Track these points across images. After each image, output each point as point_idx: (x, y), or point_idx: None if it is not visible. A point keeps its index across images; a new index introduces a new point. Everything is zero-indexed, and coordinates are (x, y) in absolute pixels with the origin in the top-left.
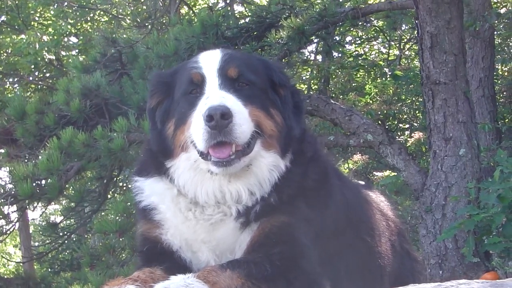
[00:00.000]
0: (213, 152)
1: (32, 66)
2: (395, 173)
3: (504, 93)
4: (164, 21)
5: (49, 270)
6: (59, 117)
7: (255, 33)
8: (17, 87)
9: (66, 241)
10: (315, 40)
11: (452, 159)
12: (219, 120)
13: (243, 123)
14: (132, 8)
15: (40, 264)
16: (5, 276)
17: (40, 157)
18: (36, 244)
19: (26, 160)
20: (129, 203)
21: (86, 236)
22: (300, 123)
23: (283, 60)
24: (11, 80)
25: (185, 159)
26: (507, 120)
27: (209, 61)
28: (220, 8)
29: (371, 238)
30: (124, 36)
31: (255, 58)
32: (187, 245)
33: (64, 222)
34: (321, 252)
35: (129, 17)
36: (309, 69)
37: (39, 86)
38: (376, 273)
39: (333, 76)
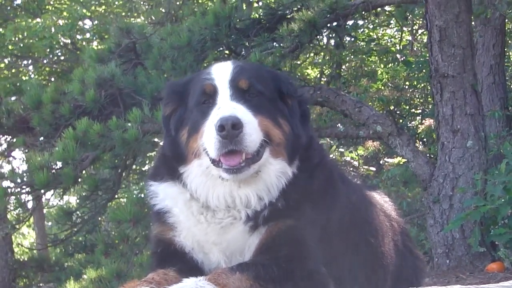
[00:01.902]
0: (224, 160)
1: (48, 50)
2: (406, 159)
3: None
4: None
5: (63, 251)
6: (75, 107)
7: (267, 25)
8: (32, 70)
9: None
10: (326, 33)
11: (460, 151)
12: (230, 130)
13: (252, 133)
14: (147, 7)
15: (54, 247)
16: (20, 258)
17: (55, 146)
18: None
19: (41, 149)
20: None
21: (100, 222)
22: (306, 131)
23: (295, 52)
24: (25, 62)
25: (197, 165)
26: None
27: (221, 73)
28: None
29: (374, 238)
30: (138, 20)
31: (264, 70)
32: (199, 246)
33: (79, 211)
34: (326, 253)
35: (143, 15)
36: (322, 54)
37: (53, 69)
38: (380, 273)
39: (345, 62)
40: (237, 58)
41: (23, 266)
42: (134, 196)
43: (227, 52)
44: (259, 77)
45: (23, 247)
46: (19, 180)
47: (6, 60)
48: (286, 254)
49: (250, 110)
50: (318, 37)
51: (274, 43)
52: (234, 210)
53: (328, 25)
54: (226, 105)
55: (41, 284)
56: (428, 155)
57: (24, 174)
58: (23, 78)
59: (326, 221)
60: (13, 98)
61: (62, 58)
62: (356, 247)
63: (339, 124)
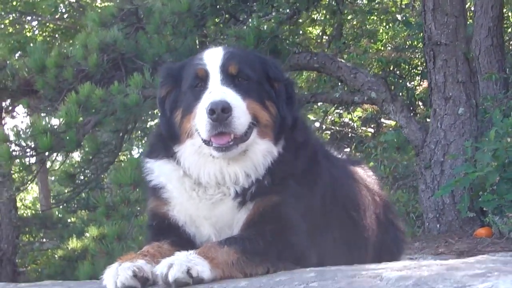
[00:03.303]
0: (215, 140)
1: (53, 9)
2: (399, 125)
3: None
4: None
5: (66, 208)
6: (78, 71)
7: None
8: (36, 27)
9: (83, 192)
10: None
11: (451, 118)
12: (220, 113)
13: (241, 116)
14: None
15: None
16: (24, 214)
17: (59, 110)
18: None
19: (44, 113)
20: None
21: (103, 180)
22: (292, 113)
23: (293, 18)
24: (29, 18)
25: (190, 144)
26: None
27: (213, 59)
28: None
29: (356, 212)
30: None
31: (253, 55)
32: (191, 220)
33: (82, 173)
34: (309, 227)
35: None
36: (324, 12)
37: (57, 26)
38: (361, 244)
39: (346, 23)
40: (236, 24)
41: (26, 223)
42: (135, 161)
43: (226, 17)
44: (248, 62)
45: (25, 205)
46: (23, 144)
47: (10, 16)
48: (271, 228)
49: (239, 94)
50: (315, 3)
51: (273, 9)
52: (224, 186)
53: None
54: (217, 90)
55: (44, 240)
56: (426, 117)
57: (28, 137)
58: (27, 34)
59: (309, 197)
60: (16, 55)
61: (66, 15)
62: (338, 220)
63: (336, 94)
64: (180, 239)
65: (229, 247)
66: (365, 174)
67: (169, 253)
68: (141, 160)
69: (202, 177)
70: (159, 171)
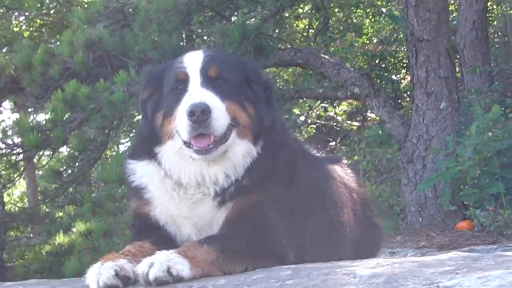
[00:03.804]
0: (195, 142)
1: (39, 5)
2: (382, 120)
3: (499, 33)
4: None
5: (53, 203)
6: (64, 69)
7: None
8: (23, 22)
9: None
10: None
11: (433, 113)
12: (200, 115)
13: (220, 118)
14: None
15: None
16: (11, 209)
17: (45, 108)
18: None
19: (31, 110)
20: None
21: (89, 175)
22: (270, 114)
23: (276, 15)
24: (16, 13)
25: (171, 146)
26: (499, 61)
27: (193, 62)
28: None
29: (334, 209)
30: None
31: (232, 58)
32: (172, 220)
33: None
34: (287, 225)
35: None
36: (310, 5)
37: (44, 21)
38: (339, 241)
39: (332, 16)
40: (221, 21)
41: (14, 219)
42: (121, 158)
43: (211, 14)
44: (227, 65)
45: (13, 200)
46: (9, 141)
47: None
48: (250, 227)
49: (219, 96)
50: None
51: (258, 6)
52: (204, 187)
53: None
54: (197, 92)
55: (31, 235)
56: (411, 110)
57: (15, 135)
58: (14, 29)
59: (287, 196)
60: (3, 50)
61: (52, 11)
62: (316, 218)
63: (319, 90)
64: (162, 238)
65: (209, 246)
66: (344, 172)
67: (151, 252)
68: (124, 160)
69: (183, 178)
70: (141, 172)
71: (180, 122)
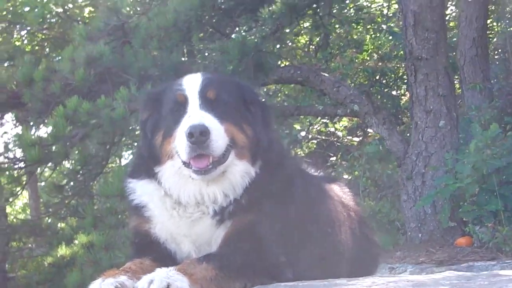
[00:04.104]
0: (194, 162)
1: (40, 20)
2: (381, 137)
3: (499, 50)
4: None
5: (56, 216)
6: (65, 85)
7: (250, 6)
8: (25, 36)
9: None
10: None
11: (432, 130)
12: (199, 137)
13: (219, 139)
14: None
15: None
16: (13, 219)
17: (46, 123)
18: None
19: (33, 125)
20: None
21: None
22: (268, 134)
23: (276, 33)
24: (18, 27)
25: (170, 165)
26: (500, 78)
27: (191, 84)
28: None
29: (331, 228)
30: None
31: (230, 81)
32: (172, 238)
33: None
34: (285, 244)
35: None
36: (311, 20)
37: (46, 36)
38: (336, 259)
39: (332, 33)
40: (221, 38)
41: (16, 231)
42: (121, 172)
43: (211, 31)
44: (225, 87)
45: (15, 211)
46: (11, 155)
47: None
48: (248, 245)
49: (217, 118)
50: (298, 18)
51: (257, 24)
52: (203, 205)
53: (308, 9)
54: (195, 114)
55: (33, 245)
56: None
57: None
58: (16, 44)
59: (285, 215)
60: (5, 64)
61: (55, 26)
62: (314, 237)
63: (319, 107)
64: (161, 255)
65: (208, 263)
66: (341, 191)
67: (151, 269)
68: (123, 179)
69: (182, 197)
70: (141, 190)
71: (180, 143)
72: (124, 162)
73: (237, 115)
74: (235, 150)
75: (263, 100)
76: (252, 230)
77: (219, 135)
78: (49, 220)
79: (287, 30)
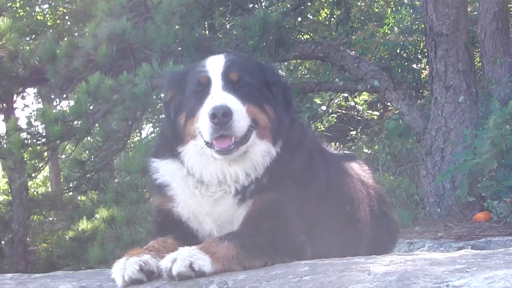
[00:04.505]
0: (216, 143)
1: None
2: (401, 113)
3: None
4: None
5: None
6: (87, 61)
7: None
8: (46, 10)
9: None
10: None
11: (452, 106)
12: (221, 118)
13: (241, 119)
14: None
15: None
16: (34, 192)
17: (69, 99)
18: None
19: (56, 101)
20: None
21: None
22: (289, 115)
23: (297, 9)
24: (40, 1)
25: (193, 145)
26: None
27: (214, 66)
28: None
29: (350, 206)
30: None
31: (252, 62)
32: (194, 216)
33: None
34: (305, 222)
35: None
36: None
37: (67, 9)
38: (355, 236)
39: (353, 6)
40: (243, 14)
41: (37, 205)
42: (143, 148)
43: (233, 7)
44: (247, 69)
45: (35, 184)
46: (35, 132)
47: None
48: (269, 224)
49: (239, 99)
50: None
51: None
52: (225, 185)
53: None
54: (218, 95)
55: (53, 218)
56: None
57: (39, 126)
58: (38, 18)
59: (305, 194)
60: (27, 39)
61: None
62: (333, 215)
63: (339, 82)
64: (184, 233)
65: (229, 242)
66: (360, 169)
67: (173, 247)
68: (145, 155)
69: (205, 176)
70: (164, 170)
71: (203, 123)
72: (144, 135)
73: (259, 96)
74: (256, 130)
75: (285, 81)
76: (273, 209)
77: (241, 116)
78: (70, 193)
79: (309, 4)
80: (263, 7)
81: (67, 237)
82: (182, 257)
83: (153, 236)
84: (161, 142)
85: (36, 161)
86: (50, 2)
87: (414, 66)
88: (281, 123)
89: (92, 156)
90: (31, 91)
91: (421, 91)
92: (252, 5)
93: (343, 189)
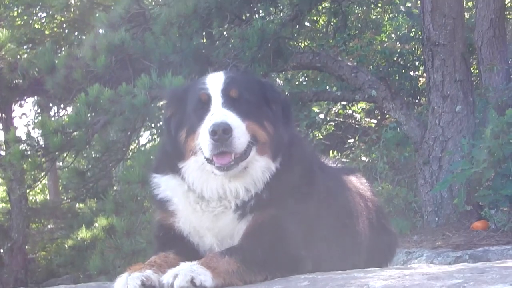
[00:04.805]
0: (216, 159)
1: (63, 7)
2: (399, 122)
3: None
4: None
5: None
6: (86, 72)
7: None
8: (44, 19)
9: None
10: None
11: (449, 115)
12: (221, 134)
13: (241, 136)
14: None
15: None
16: (32, 200)
17: (68, 111)
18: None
19: (55, 112)
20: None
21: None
22: (288, 131)
23: (295, 20)
24: (38, 8)
25: (194, 161)
26: None
27: (215, 83)
28: None
29: (349, 219)
30: None
31: (252, 79)
32: (195, 231)
33: (91, 171)
34: (305, 236)
35: None
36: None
37: (65, 18)
38: (354, 249)
39: (350, 14)
40: (241, 24)
41: (36, 213)
42: (143, 159)
43: (231, 18)
44: (247, 86)
45: (34, 191)
46: (34, 143)
47: (19, 8)
48: (269, 239)
49: (239, 116)
50: (317, 4)
51: (276, 10)
52: (225, 200)
53: None
54: (218, 112)
55: (50, 226)
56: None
57: (39, 137)
58: (36, 26)
59: (305, 209)
60: (25, 47)
61: (74, 9)
62: (332, 228)
63: (337, 92)
64: (185, 248)
65: (230, 257)
66: (358, 182)
67: (175, 262)
68: (148, 175)
69: (205, 192)
70: (165, 185)
71: (203, 140)
72: (142, 141)
73: (258, 113)
74: (256, 146)
75: (284, 97)
76: (273, 224)
77: (241, 132)
78: (69, 200)
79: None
80: (261, 16)
81: (66, 245)
82: (184, 272)
83: (155, 251)
84: (162, 157)
85: (36, 172)
86: (48, 11)
87: (412, 73)
88: (280, 139)
89: (91, 166)
90: (29, 99)
91: (418, 97)
92: (249, 14)
93: (342, 203)
